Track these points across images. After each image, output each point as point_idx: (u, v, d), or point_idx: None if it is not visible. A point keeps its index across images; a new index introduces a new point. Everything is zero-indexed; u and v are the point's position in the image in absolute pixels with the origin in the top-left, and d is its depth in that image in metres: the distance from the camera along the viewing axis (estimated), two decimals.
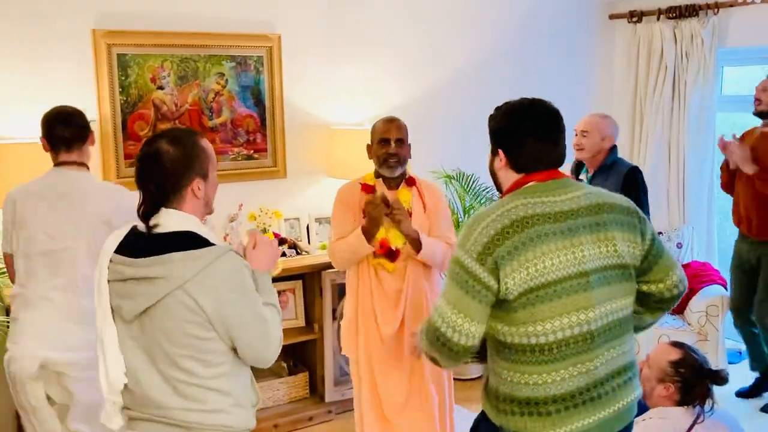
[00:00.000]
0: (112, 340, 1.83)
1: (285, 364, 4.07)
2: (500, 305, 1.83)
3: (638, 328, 2.09)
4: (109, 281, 1.83)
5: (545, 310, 1.80)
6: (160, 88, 3.69)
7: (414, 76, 4.50)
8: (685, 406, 2.44)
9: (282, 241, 3.93)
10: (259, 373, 3.95)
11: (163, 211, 1.83)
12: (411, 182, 3.00)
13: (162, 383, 1.80)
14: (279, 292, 3.92)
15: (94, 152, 3.36)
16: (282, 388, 3.89)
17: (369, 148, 2.99)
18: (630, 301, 1.94)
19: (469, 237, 1.85)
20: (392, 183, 2.97)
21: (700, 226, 4.88)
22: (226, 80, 3.87)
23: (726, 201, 5.24)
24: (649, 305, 2.03)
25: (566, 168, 3.61)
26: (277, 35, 3.98)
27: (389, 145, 2.90)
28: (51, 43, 3.43)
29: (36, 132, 3.38)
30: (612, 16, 5.25)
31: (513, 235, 1.80)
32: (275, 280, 3.80)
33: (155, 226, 1.81)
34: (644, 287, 1.99)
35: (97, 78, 3.53)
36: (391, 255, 2.90)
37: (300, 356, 4.09)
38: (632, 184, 3.28)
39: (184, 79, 3.75)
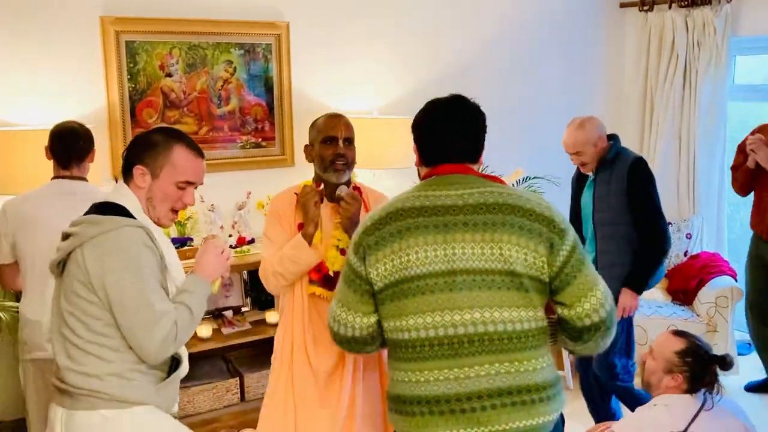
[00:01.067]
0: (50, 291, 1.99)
1: None
2: (376, 298, 1.83)
3: (572, 352, 1.93)
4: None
5: (410, 305, 1.75)
6: (169, 75, 3.69)
7: (424, 63, 4.47)
8: (692, 394, 2.44)
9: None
10: (266, 362, 3.96)
11: (119, 183, 1.97)
12: (357, 191, 2.52)
13: (59, 341, 1.85)
14: None
15: (102, 139, 3.38)
16: None
17: (308, 149, 2.51)
18: (526, 314, 1.74)
19: (357, 229, 1.89)
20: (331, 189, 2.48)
21: (710, 217, 4.85)
22: (235, 68, 3.86)
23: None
24: (567, 332, 1.83)
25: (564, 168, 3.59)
26: (285, 23, 3.97)
27: (337, 144, 2.42)
28: (59, 30, 3.43)
29: (45, 119, 3.40)
30: (623, 5, 5.20)
31: (384, 226, 1.78)
32: None
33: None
34: (558, 309, 1.80)
35: (105, 65, 3.53)
36: (329, 282, 2.39)
37: None
38: (637, 176, 3.19)
39: (193, 66, 3.74)
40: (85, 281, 1.78)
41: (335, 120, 2.49)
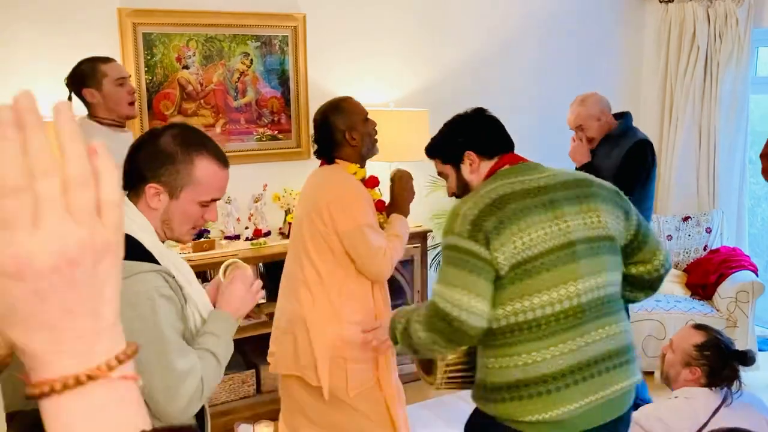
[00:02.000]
0: None
1: None
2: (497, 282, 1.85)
3: (628, 301, 2.12)
4: None
5: (534, 284, 1.80)
6: (186, 67, 3.69)
7: (439, 55, 4.45)
8: (711, 388, 2.41)
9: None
10: None
11: (124, 201, 1.57)
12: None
13: None
14: None
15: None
16: None
17: (352, 135, 2.54)
18: (618, 277, 1.93)
19: (453, 223, 1.86)
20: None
21: (730, 211, 4.78)
22: (251, 60, 3.86)
23: (758, 186, 5.14)
24: (637, 287, 2.05)
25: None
26: (302, 15, 3.96)
27: (372, 120, 2.65)
28: (77, 22, 3.44)
29: None
30: None
31: (496, 212, 1.82)
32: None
33: None
34: (632, 269, 2.00)
35: (122, 57, 3.54)
36: None
37: None
38: (633, 157, 3.16)
39: (210, 58, 3.75)
40: None
41: (358, 102, 2.66)
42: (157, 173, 1.58)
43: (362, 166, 2.62)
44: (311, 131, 2.71)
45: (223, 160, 1.65)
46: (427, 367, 2.24)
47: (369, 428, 2.61)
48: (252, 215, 3.83)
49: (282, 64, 3.95)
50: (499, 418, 1.88)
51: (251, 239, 3.73)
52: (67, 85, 2.57)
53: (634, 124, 5.24)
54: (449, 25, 4.46)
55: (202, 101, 3.75)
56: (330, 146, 2.56)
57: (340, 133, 2.54)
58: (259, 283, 1.75)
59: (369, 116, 2.62)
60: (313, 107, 4.06)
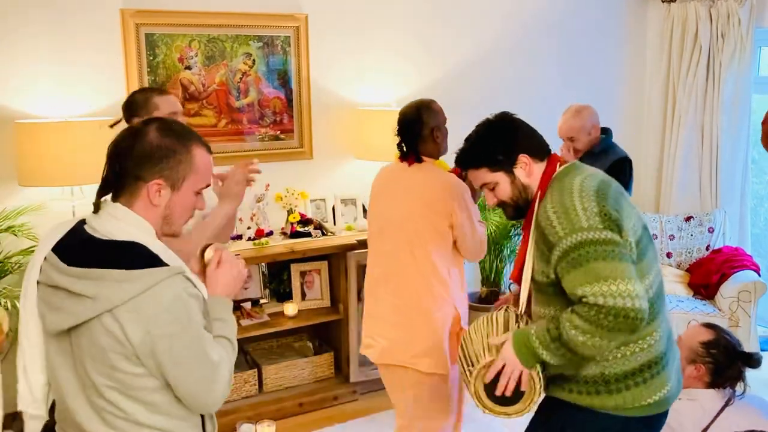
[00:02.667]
0: (35, 348, 1.64)
1: (310, 344, 4.09)
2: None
3: None
4: (38, 282, 1.57)
5: (646, 264, 1.87)
6: (188, 68, 3.70)
7: (441, 55, 4.45)
8: (716, 389, 2.41)
9: (306, 222, 3.93)
10: (284, 354, 4.00)
11: (111, 205, 1.58)
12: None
13: (89, 409, 1.54)
14: (305, 273, 3.94)
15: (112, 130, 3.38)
16: (307, 367, 3.91)
17: (438, 134, 2.74)
18: None
19: (574, 221, 1.79)
20: None
21: (732, 211, 4.78)
22: (254, 60, 3.87)
23: (761, 186, 5.14)
24: None
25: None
26: (304, 15, 3.96)
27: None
28: (80, 23, 3.45)
29: (66, 111, 3.43)
30: None
31: (608, 200, 1.83)
32: (301, 260, 3.85)
33: (92, 223, 1.57)
34: None
35: (125, 57, 3.55)
36: None
37: (325, 336, 4.10)
38: (615, 174, 3.22)
39: (212, 59, 3.75)
40: (126, 353, 1.47)
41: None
42: (156, 169, 1.55)
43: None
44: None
45: (209, 147, 1.67)
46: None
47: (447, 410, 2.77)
48: (254, 215, 3.84)
49: (284, 65, 3.96)
50: (617, 408, 1.87)
51: (253, 239, 3.74)
52: (123, 112, 2.56)
53: (637, 124, 5.24)
54: (451, 25, 4.46)
55: (204, 101, 3.76)
56: (416, 142, 2.72)
57: (429, 129, 2.72)
58: (242, 261, 1.75)
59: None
60: (315, 107, 4.09)
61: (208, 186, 1.66)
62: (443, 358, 2.67)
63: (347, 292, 3.85)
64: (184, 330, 1.49)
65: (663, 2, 4.99)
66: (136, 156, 1.54)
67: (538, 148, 2.02)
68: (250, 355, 3.89)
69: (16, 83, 3.36)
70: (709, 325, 2.55)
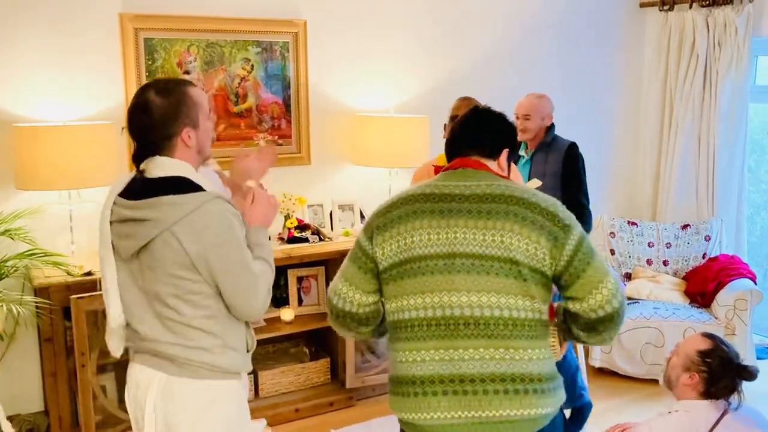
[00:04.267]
0: (112, 278, 1.93)
1: (306, 350, 4.09)
2: (379, 279, 1.91)
3: (583, 342, 1.92)
4: (111, 222, 1.92)
5: (410, 285, 1.84)
6: (187, 72, 3.70)
7: (439, 62, 4.46)
8: (711, 400, 2.41)
9: (303, 228, 3.94)
10: (280, 359, 4.00)
11: (155, 158, 1.88)
12: None
13: (153, 319, 1.88)
14: (302, 278, 3.94)
15: (120, 137, 3.39)
16: (303, 373, 3.91)
17: (445, 128, 3.02)
18: (523, 303, 1.77)
19: (373, 211, 1.98)
20: None
21: (729, 219, 4.79)
22: (252, 66, 3.87)
23: (757, 194, 5.15)
24: (580, 326, 1.83)
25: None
26: (302, 21, 3.97)
27: None
28: (79, 27, 3.46)
29: (65, 115, 3.43)
30: (643, 5, 5.15)
31: (393, 210, 1.90)
32: (298, 265, 3.85)
33: (145, 171, 1.89)
34: (569, 305, 1.82)
35: (123, 62, 3.55)
36: None
37: (321, 342, 4.10)
38: (572, 160, 3.54)
39: (211, 64, 3.76)
40: (184, 263, 1.81)
41: (465, 101, 3.06)
42: (179, 121, 1.88)
43: None
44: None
45: (193, 83, 2.01)
46: None
47: None
48: None
49: (283, 70, 3.97)
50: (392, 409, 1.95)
51: None
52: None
53: (634, 131, 5.26)
54: (449, 32, 4.47)
55: None
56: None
57: None
58: (274, 196, 2.09)
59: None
60: (314, 113, 4.09)
61: (210, 109, 2.00)
62: None
63: None
64: (229, 242, 1.83)
65: (660, 10, 5.01)
66: (157, 123, 1.86)
67: (448, 145, 2.04)
68: None
69: (15, 86, 3.36)
70: (708, 335, 2.56)
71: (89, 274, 3.22)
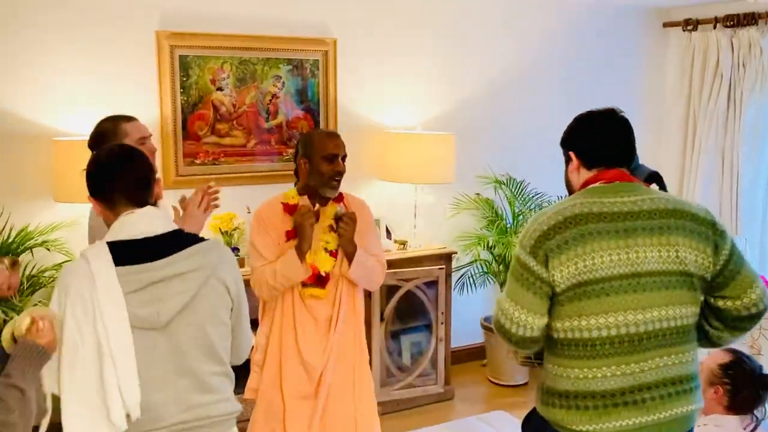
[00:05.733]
0: (129, 354, 1.69)
1: None
2: (553, 299, 1.90)
3: (716, 344, 2.06)
4: (126, 293, 1.71)
5: (592, 306, 1.85)
6: (220, 89, 3.79)
7: (465, 80, 4.52)
8: (741, 415, 2.42)
9: None
10: None
11: (147, 212, 1.80)
12: (339, 198, 2.69)
13: (187, 385, 1.77)
14: None
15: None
16: None
17: (303, 162, 2.61)
18: (692, 311, 1.91)
19: (526, 233, 1.93)
20: (319, 199, 2.64)
21: (753, 238, 4.79)
22: (283, 83, 3.95)
23: None
24: (726, 323, 1.97)
25: None
26: (333, 39, 4.05)
27: (337, 162, 2.58)
28: (117, 44, 3.55)
29: None
30: (666, 24, 5.20)
31: (564, 231, 1.86)
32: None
33: (125, 231, 1.77)
34: (720, 303, 1.94)
35: (159, 78, 3.64)
36: (321, 281, 2.60)
37: None
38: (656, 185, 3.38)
39: (243, 81, 3.84)
40: (227, 305, 1.86)
41: (336, 139, 2.63)
42: (150, 180, 1.88)
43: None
44: None
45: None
46: None
47: None
48: None
49: (312, 87, 4.04)
50: (551, 423, 1.95)
51: None
52: (89, 145, 2.48)
53: (657, 151, 5.27)
54: (475, 51, 4.53)
55: (234, 122, 3.84)
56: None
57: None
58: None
59: None
60: (342, 129, 4.16)
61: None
62: None
63: (371, 313, 3.89)
64: (241, 281, 1.92)
65: (684, 30, 5.05)
66: (148, 171, 1.86)
67: (586, 155, 2.01)
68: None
69: (54, 102, 3.45)
70: (730, 349, 2.58)
71: None
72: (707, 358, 2.57)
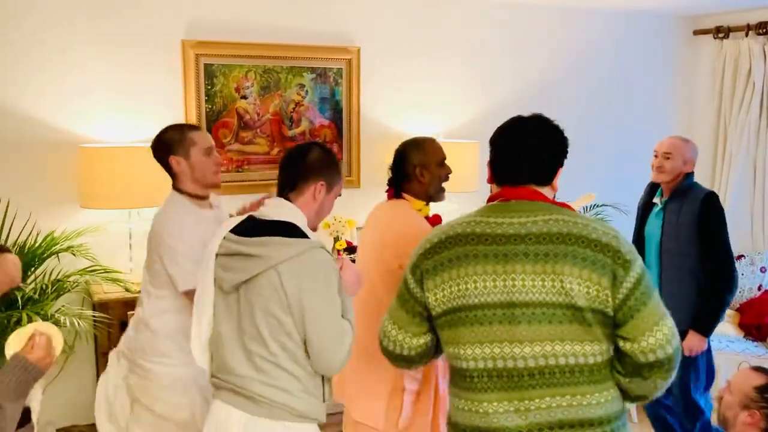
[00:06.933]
0: (209, 300, 1.99)
1: None
2: (433, 322, 1.81)
3: (630, 398, 1.79)
4: (217, 255, 1.98)
5: (466, 334, 1.71)
6: (244, 97, 3.82)
7: (489, 89, 4.50)
8: None
9: (352, 250, 3.98)
10: None
11: (278, 201, 2.02)
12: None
13: (242, 355, 1.92)
14: None
15: None
16: None
17: (421, 170, 2.57)
18: (592, 349, 1.67)
19: (415, 249, 1.85)
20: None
21: None
22: (306, 91, 3.97)
23: None
24: (627, 368, 1.72)
25: (633, 190, 3.54)
26: (356, 48, 4.06)
27: (447, 166, 2.64)
28: (143, 52, 3.60)
29: (126, 137, 3.56)
30: (697, 32, 5.11)
31: (442, 251, 1.75)
32: None
33: (259, 214, 2.01)
34: (620, 343, 1.70)
35: (184, 86, 3.68)
36: None
37: None
38: (710, 210, 3.15)
39: (267, 89, 3.87)
40: (282, 302, 1.87)
41: (440, 145, 2.66)
42: (323, 173, 2.03)
43: (427, 204, 2.66)
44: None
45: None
46: None
47: None
48: None
49: (335, 95, 4.05)
50: None
51: None
52: (153, 151, 2.51)
53: None
54: (499, 60, 4.51)
55: (258, 130, 3.87)
56: (400, 180, 2.61)
57: (411, 167, 2.59)
58: (359, 270, 2.12)
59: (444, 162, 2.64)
60: (364, 137, 4.16)
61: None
62: (377, 411, 2.54)
63: None
64: (325, 290, 1.90)
65: (715, 38, 4.96)
66: (310, 163, 2.02)
67: (493, 167, 1.84)
68: None
69: (81, 109, 3.51)
70: (759, 369, 2.48)
71: None
72: (735, 380, 2.48)
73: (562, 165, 1.85)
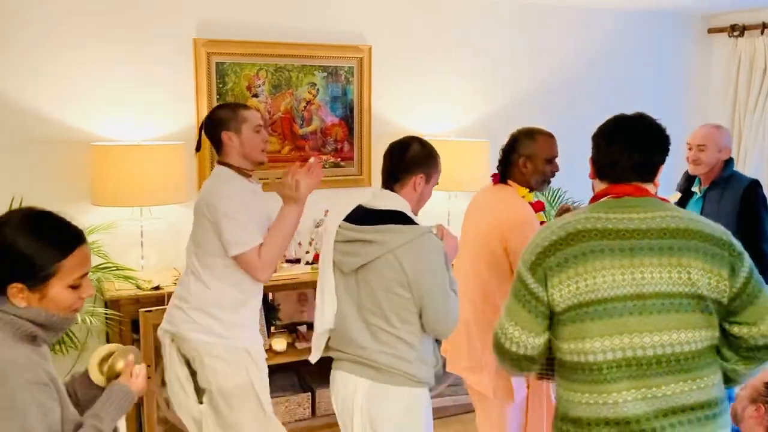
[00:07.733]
0: (330, 288, 2.27)
1: None
2: (552, 318, 1.82)
3: (731, 381, 1.89)
4: (336, 241, 2.26)
5: (593, 328, 1.75)
6: (255, 96, 3.83)
7: (500, 88, 4.49)
8: None
9: None
10: None
11: (385, 193, 2.27)
12: None
13: (363, 328, 2.21)
14: None
15: (191, 157, 3.52)
16: None
17: (524, 161, 2.66)
18: (707, 334, 1.79)
19: (528, 247, 1.86)
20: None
21: None
22: (318, 90, 3.98)
23: None
24: (740, 352, 1.84)
25: (667, 183, 3.53)
26: (368, 47, 4.06)
27: (555, 163, 2.71)
28: (155, 51, 3.62)
29: (138, 135, 3.58)
30: (711, 30, 5.07)
31: (565, 248, 1.78)
32: None
33: (367, 203, 2.28)
34: (735, 329, 1.82)
35: (196, 85, 3.70)
36: None
37: None
38: (751, 199, 3.13)
39: (278, 88, 3.88)
40: (402, 281, 2.14)
41: (555, 141, 2.73)
42: (421, 166, 2.27)
43: (531, 191, 2.75)
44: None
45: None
46: None
47: None
48: (313, 240, 3.91)
49: (346, 94, 4.06)
50: None
51: (312, 263, 3.81)
52: (205, 127, 2.61)
53: None
54: (511, 59, 4.49)
55: (269, 128, 3.88)
56: (507, 165, 2.72)
57: (517, 156, 2.68)
58: (456, 236, 2.37)
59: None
60: (376, 136, 4.16)
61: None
62: (488, 378, 2.69)
63: None
64: (438, 270, 2.17)
65: (730, 36, 4.92)
66: (412, 157, 2.27)
67: (599, 165, 1.93)
68: (304, 378, 3.94)
69: (93, 107, 3.53)
70: None
71: (158, 288, 3.34)
72: (756, 377, 2.47)
73: (663, 162, 1.94)
